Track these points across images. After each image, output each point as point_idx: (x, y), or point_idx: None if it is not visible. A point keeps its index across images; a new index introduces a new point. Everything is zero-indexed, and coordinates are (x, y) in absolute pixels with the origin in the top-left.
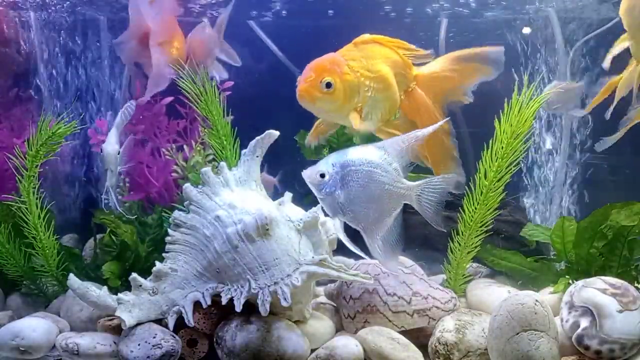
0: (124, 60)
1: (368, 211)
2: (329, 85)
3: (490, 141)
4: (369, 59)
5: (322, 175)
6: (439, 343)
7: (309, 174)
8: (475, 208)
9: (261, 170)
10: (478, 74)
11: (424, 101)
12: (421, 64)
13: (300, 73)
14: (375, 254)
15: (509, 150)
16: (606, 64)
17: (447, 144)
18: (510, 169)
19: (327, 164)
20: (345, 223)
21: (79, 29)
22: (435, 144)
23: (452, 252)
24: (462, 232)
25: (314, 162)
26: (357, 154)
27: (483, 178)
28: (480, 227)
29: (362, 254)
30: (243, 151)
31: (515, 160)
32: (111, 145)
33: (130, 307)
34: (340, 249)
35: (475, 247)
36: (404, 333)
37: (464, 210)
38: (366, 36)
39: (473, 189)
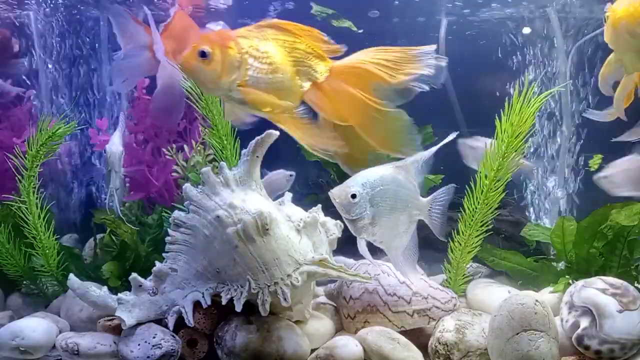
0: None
1: (392, 230)
2: (204, 54)
3: (491, 140)
4: (263, 40)
5: (354, 196)
6: (439, 343)
7: (339, 194)
8: (476, 207)
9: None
10: (405, 72)
11: (333, 93)
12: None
13: None
14: (398, 269)
15: (510, 149)
16: (604, 90)
17: (373, 133)
18: (511, 169)
19: (358, 184)
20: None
21: (82, 28)
22: (354, 138)
23: (452, 251)
24: (462, 232)
25: (315, 162)
26: (384, 173)
27: (484, 177)
28: (481, 226)
29: (387, 269)
30: (243, 151)
31: (517, 159)
32: (115, 146)
33: (130, 307)
34: (340, 249)
35: (476, 246)
36: (404, 333)
37: (464, 210)
38: (273, 20)
39: (474, 188)
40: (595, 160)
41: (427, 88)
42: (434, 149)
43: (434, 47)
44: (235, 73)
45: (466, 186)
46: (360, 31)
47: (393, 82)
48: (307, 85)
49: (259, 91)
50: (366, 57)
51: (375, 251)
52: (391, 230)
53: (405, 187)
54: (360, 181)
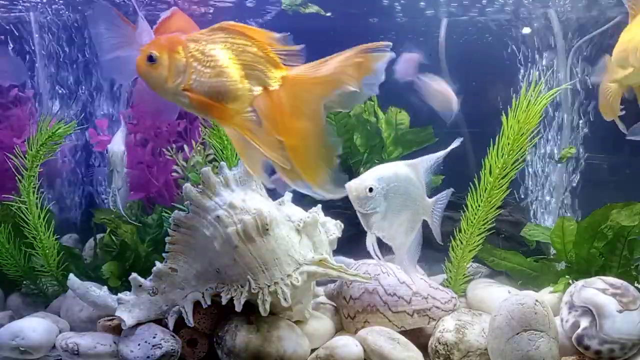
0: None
1: (402, 227)
2: (151, 58)
3: (497, 137)
4: (212, 44)
5: (370, 190)
6: (439, 343)
7: (356, 187)
8: (479, 205)
9: None
10: (357, 76)
11: (284, 104)
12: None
13: None
14: (402, 267)
15: (515, 146)
16: (610, 114)
17: (318, 148)
18: (516, 166)
19: (374, 179)
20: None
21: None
22: (303, 147)
23: (453, 250)
24: (464, 230)
25: None
26: (398, 169)
27: (488, 174)
28: (483, 224)
29: (389, 269)
30: None
31: (521, 157)
32: (117, 145)
33: (130, 307)
34: (340, 249)
35: (478, 245)
36: (404, 333)
37: (467, 208)
38: (225, 23)
39: (477, 186)
40: (569, 150)
41: (377, 92)
42: (444, 152)
43: (388, 48)
44: (180, 77)
45: (470, 184)
46: (328, 14)
47: (350, 89)
48: (258, 90)
49: (202, 95)
50: (324, 66)
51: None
52: (400, 227)
53: (416, 185)
54: (376, 176)
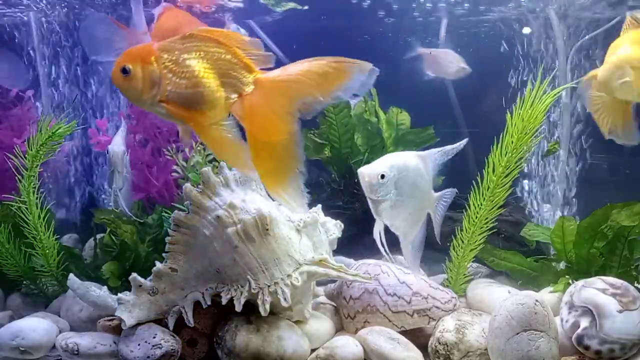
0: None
1: (410, 217)
2: (125, 71)
3: (501, 135)
4: (186, 53)
5: (382, 177)
6: (439, 343)
7: (368, 174)
8: (481, 204)
9: None
10: (335, 84)
11: (257, 108)
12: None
13: None
14: (407, 257)
15: (519, 145)
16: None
17: (289, 155)
18: (519, 164)
19: (386, 166)
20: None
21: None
22: (270, 153)
23: (454, 249)
24: (466, 229)
25: (316, 162)
26: (409, 159)
27: (491, 173)
28: (485, 223)
29: (391, 259)
30: None
31: (525, 156)
32: (117, 145)
33: (130, 307)
34: (340, 249)
35: (479, 244)
36: (404, 333)
37: (469, 206)
38: (198, 30)
39: (480, 184)
40: (554, 145)
41: (355, 101)
42: (453, 147)
43: (368, 66)
44: (155, 89)
45: (469, 184)
46: (306, 7)
47: (322, 99)
48: (234, 97)
49: (179, 106)
50: (297, 70)
51: (377, 251)
52: (408, 217)
53: (424, 177)
54: (388, 163)
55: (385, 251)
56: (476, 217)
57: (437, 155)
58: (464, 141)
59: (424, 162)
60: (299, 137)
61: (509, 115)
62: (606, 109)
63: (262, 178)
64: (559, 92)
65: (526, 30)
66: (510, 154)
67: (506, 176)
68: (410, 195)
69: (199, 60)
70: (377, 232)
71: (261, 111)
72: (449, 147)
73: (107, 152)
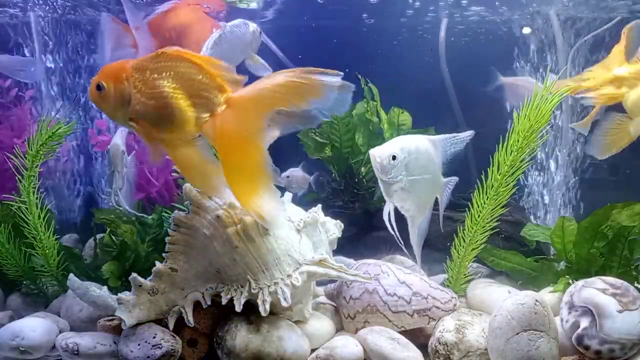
0: None
1: (419, 199)
2: (99, 87)
3: (507, 134)
4: (157, 72)
5: (394, 158)
6: (439, 343)
7: (380, 154)
8: (485, 203)
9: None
10: (307, 98)
11: (229, 127)
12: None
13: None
14: (413, 241)
15: (525, 144)
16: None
17: (261, 172)
18: (524, 164)
19: (398, 147)
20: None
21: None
22: (242, 171)
23: (455, 248)
24: (469, 228)
25: (317, 161)
26: (420, 142)
27: (496, 172)
28: (488, 223)
29: (400, 241)
30: None
31: (530, 155)
32: (117, 145)
33: (130, 307)
34: (340, 249)
35: (481, 244)
36: (404, 333)
37: (471, 205)
38: (173, 49)
39: (484, 183)
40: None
41: (329, 118)
42: (463, 134)
43: (338, 77)
44: (125, 107)
45: (469, 184)
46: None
47: (294, 112)
48: (205, 116)
49: (147, 125)
50: (267, 86)
51: (377, 251)
52: (418, 200)
53: (434, 161)
54: (400, 145)
55: (395, 233)
56: (479, 216)
57: (446, 141)
58: (471, 132)
59: (434, 146)
60: (267, 160)
61: (516, 113)
62: (622, 131)
63: (237, 196)
64: (567, 92)
65: (526, 30)
66: (515, 153)
67: (511, 175)
68: (420, 177)
69: (170, 80)
70: (387, 214)
71: (233, 130)
72: (458, 134)
73: (107, 152)
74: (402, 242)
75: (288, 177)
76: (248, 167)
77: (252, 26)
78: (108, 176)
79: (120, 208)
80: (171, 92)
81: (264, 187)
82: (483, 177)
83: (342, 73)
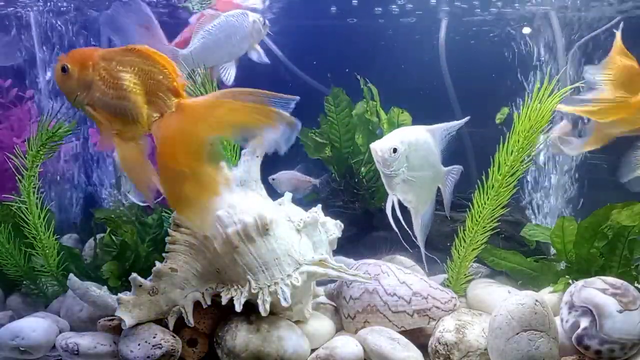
0: None
1: (421, 190)
2: (63, 69)
3: (507, 135)
4: (122, 65)
5: (395, 150)
6: (439, 343)
7: (381, 147)
8: (485, 203)
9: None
10: (257, 128)
11: (172, 130)
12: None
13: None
14: (417, 232)
15: (526, 144)
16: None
17: (198, 182)
18: (524, 164)
19: (398, 140)
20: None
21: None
22: (179, 177)
23: (455, 249)
24: (469, 228)
25: (316, 162)
26: (419, 134)
27: (497, 172)
28: (489, 223)
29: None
30: (243, 151)
31: (530, 156)
32: None
33: (130, 307)
34: (340, 249)
35: (481, 244)
36: (404, 333)
37: (472, 205)
38: (142, 47)
39: (485, 183)
40: (503, 112)
41: (284, 149)
42: (459, 122)
43: (293, 121)
44: (85, 92)
45: (469, 184)
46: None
47: (245, 134)
48: (156, 116)
49: (103, 112)
50: (223, 103)
51: (377, 251)
52: (420, 191)
53: (432, 151)
54: (399, 137)
55: (397, 226)
56: (479, 216)
57: (443, 130)
58: (466, 119)
59: (432, 136)
60: (209, 165)
61: (516, 114)
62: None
63: (169, 201)
64: (566, 92)
65: (526, 30)
66: (516, 153)
67: (511, 175)
68: (421, 168)
69: (132, 74)
70: (390, 207)
71: (175, 134)
72: (456, 122)
73: (113, 157)
74: (403, 238)
75: (274, 179)
76: (183, 174)
77: (253, 16)
78: (116, 180)
79: (139, 203)
80: (130, 86)
81: (200, 197)
82: (484, 177)
83: (297, 98)
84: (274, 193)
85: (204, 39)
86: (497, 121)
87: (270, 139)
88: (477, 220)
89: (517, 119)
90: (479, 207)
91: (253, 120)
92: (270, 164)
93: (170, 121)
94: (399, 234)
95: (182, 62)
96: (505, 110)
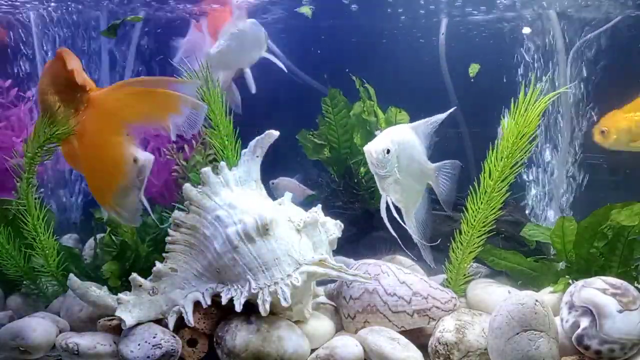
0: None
1: (409, 188)
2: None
3: (496, 141)
4: (44, 70)
5: (388, 152)
6: (439, 343)
7: (375, 149)
8: (479, 208)
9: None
10: (164, 114)
11: (87, 124)
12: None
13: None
14: (411, 231)
15: (515, 150)
16: None
17: (119, 172)
18: (515, 169)
19: (389, 140)
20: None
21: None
22: (99, 168)
23: (453, 251)
24: (465, 232)
25: (316, 162)
26: (405, 132)
27: (487, 178)
28: (483, 227)
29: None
30: (243, 151)
31: (520, 160)
32: (150, 157)
33: (130, 307)
34: (340, 249)
35: (478, 247)
36: (404, 333)
37: (467, 210)
38: (59, 50)
39: (477, 188)
40: (474, 68)
41: (191, 133)
42: (442, 116)
43: (197, 103)
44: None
45: (469, 184)
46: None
47: (152, 124)
48: (71, 112)
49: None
50: (129, 93)
51: (377, 251)
52: (408, 189)
53: (417, 148)
54: (389, 138)
55: (393, 227)
56: (474, 220)
57: (427, 124)
58: (451, 109)
59: (415, 133)
60: (129, 155)
61: (503, 120)
62: None
63: (92, 191)
64: (553, 97)
65: (526, 30)
66: (506, 159)
67: (502, 180)
68: (409, 167)
69: (47, 77)
70: (384, 208)
71: (91, 127)
72: (438, 115)
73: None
74: (400, 238)
75: (273, 183)
76: (103, 165)
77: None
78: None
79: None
80: (45, 88)
81: (122, 187)
82: (476, 183)
83: (198, 82)
84: (272, 196)
85: (230, 41)
86: (471, 75)
87: (176, 123)
88: (472, 224)
89: (505, 126)
90: (473, 211)
91: (158, 105)
92: (270, 167)
93: (85, 116)
94: (395, 235)
95: (209, 61)
96: (476, 66)
